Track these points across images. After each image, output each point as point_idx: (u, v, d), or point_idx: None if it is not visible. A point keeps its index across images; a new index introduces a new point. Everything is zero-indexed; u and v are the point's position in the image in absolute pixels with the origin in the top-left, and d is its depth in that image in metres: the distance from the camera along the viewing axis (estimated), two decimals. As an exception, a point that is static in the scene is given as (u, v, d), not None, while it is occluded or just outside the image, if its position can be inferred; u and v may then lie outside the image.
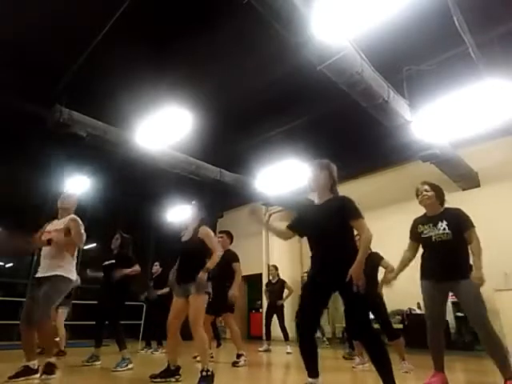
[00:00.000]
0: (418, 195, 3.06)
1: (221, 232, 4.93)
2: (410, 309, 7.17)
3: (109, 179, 8.72)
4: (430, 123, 5.33)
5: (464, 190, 7.47)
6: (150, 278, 6.63)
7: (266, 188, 8.00)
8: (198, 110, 5.81)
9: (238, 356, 4.37)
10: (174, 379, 3.06)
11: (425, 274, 2.92)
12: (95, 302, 4.77)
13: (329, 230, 2.32)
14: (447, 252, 2.77)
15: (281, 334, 6.45)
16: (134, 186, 9.19)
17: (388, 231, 6.44)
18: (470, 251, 2.80)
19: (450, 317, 6.66)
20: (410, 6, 3.59)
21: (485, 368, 4.21)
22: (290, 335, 6.53)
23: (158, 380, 3.02)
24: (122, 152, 6.45)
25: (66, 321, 5.47)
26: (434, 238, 2.85)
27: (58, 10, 4.58)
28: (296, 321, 2.37)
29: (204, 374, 2.82)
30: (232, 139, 7.32)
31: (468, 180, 7.16)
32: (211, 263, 3.09)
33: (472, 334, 6.32)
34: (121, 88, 5.72)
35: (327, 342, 7.38)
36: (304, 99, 6.06)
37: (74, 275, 3.26)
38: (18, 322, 8.92)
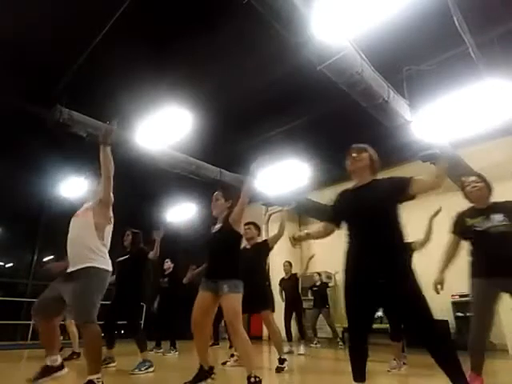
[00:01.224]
0: (463, 187, 2.87)
1: (247, 223, 4.35)
2: (410, 309, 7.16)
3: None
4: (430, 123, 5.33)
5: (464, 189, 7.48)
6: (161, 275, 6.52)
7: (266, 188, 8.00)
8: (198, 109, 5.81)
9: (282, 361, 3.90)
10: (210, 380, 2.81)
11: (478, 271, 2.66)
12: (107, 302, 4.61)
13: (376, 211, 2.10)
14: (505, 246, 2.56)
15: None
16: (133, 186, 9.19)
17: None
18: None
19: (449, 317, 6.67)
20: (410, 5, 3.59)
21: (484, 368, 4.20)
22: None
23: None
24: (122, 152, 6.44)
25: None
26: (490, 230, 2.63)
27: (57, 9, 4.58)
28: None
29: (252, 380, 2.53)
30: (232, 139, 7.32)
31: (468, 180, 7.17)
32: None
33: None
34: (121, 88, 5.72)
35: (318, 344, 7.33)
36: (304, 99, 6.06)
37: (108, 264, 2.69)
38: (18, 322, 8.89)
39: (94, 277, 2.54)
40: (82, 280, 2.50)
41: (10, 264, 9.58)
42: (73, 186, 7.53)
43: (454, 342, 1.94)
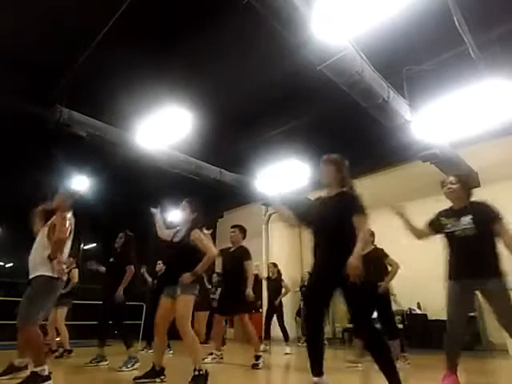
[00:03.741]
0: (443, 187, 2.90)
1: (233, 226, 4.66)
2: (410, 309, 7.16)
3: (109, 179, 8.72)
4: (430, 123, 5.33)
5: (464, 189, 7.47)
6: (154, 276, 6.57)
7: (265, 188, 8.00)
8: (198, 110, 5.80)
9: (257, 358, 4.13)
10: (158, 379, 3.02)
11: (450, 273, 2.74)
12: (96, 302, 4.70)
13: (331, 223, 2.30)
14: (472, 248, 2.60)
15: (280, 334, 6.38)
16: (134, 186, 9.18)
17: (388, 232, 6.44)
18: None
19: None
20: (410, 5, 3.59)
21: (484, 369, 4.20)
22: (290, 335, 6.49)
23: (143, 381, 2.97)
24: (121, 152, 6.44)
25: (66, 320, 5.45)
26: (456, 233, 2.69)
27: (58, 9, 4.58)
28: (300, 319, 2.37)
29: (196, 373, 2.75)
30: (232, 139, 7.31)
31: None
32: (201, 266, 2.95)
33: (471, 335, 6.33)
34: (121, 88, 5.71)
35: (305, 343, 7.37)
36: (304, 99, 6.05)
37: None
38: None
39: (43, 285, 2.77)
40: (32, 287, 2.77)
41: (10, 264, 9.59)
42: (72, 186, 7.52)
43: (385, 342, 2.21)
